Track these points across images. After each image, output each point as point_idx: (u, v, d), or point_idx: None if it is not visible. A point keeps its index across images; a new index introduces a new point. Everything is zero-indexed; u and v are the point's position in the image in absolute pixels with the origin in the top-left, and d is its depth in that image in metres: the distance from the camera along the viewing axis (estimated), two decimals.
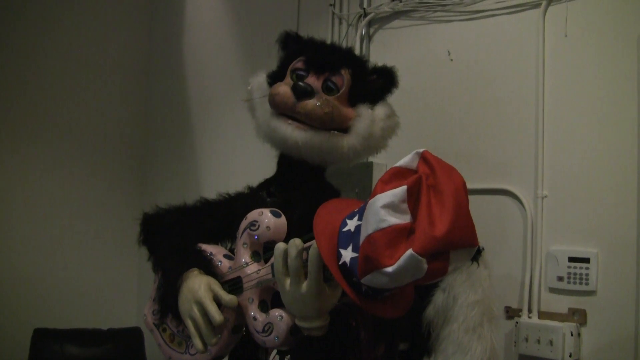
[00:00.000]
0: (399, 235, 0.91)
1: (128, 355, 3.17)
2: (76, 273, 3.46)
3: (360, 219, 1.00)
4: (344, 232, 1.03)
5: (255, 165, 2.51)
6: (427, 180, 0.93)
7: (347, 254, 1.00)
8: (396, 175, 0.97)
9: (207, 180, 3.30)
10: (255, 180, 1.59)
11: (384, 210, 0.92)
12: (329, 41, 1.94)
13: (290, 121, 1.43)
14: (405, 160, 0.99)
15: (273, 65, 1.60)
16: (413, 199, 0.92)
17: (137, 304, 3.68)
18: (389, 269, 0.90)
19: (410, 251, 0.88)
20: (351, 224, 1.03)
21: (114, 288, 3.62)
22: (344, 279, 1.02)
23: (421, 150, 0.98)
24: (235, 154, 3.08)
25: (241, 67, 3.13)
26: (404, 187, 0.92)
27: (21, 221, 3.30)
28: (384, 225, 0.91)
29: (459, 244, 0.92)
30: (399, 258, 0.89)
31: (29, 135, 3.33)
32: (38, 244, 3.34)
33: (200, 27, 3.48)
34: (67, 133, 3.47)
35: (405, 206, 0.92)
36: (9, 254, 3.24)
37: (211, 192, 1.58)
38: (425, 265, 0.89)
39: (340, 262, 1.02)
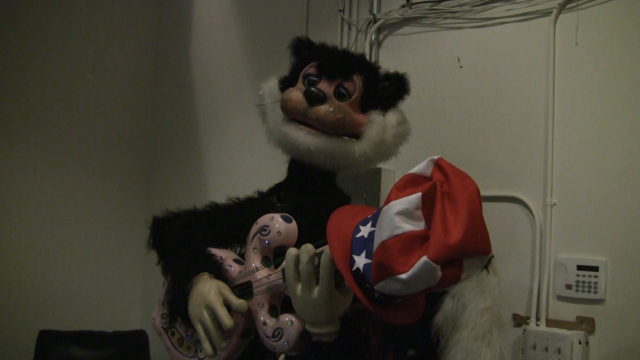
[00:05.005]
0: (413, 242, 0.91)
1: (133, 358, 3.17)
2: (81, 275, 3.46)
3: (373, 225, 1.01)
4: (357, 238, 1.03)
5: (262, 169, 2.53)
6: (441, 188, 0.93)
7: (361, 260, 1.00)
8: (410, 182, 0.97)
9: (214, 184, 3.31)
10: (262, 184, 1.59)
11: (398, 217, 0.92)
12: (338, 47, 1.95)
13: (302, 127, 1.43)
14: (420, 167, 0.99)
15: (281, 70, 1.61)
16: (427, 206, 0.93)
17: (142, 306, 3.69)
18: (403, 276, 0.90)
19: (424, 258, 0.88)
20: (364, 230, 1.03)
21: (119, 290, 3.62)
22: (357, 285, 1.02)
23: (435, 157, 0.98)
24: (242, 158, 3.08)
25: (248, 71, 3.13)
26: (419, 194, 0.92)
27: (26, 223, 3.30)
28: (399, 232, 0.91)
29: (472, 252, 0.92)
30: (413, 265, 0.89)
31: (35, 137, 3.34)
32: (43, 246, 3.34)
33: (208, 32, 3.49)
34: (73, 135, 3.47)
35: (419, 213, 0.92)
36: (14, 256, 3.25)
37: (218, 196, 1.58)
38: (440, 273, 0.89)
39: (353, 268, 1.02)
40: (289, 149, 1.48)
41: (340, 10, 2.62)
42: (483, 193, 0.96)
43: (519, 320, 1.97)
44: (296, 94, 1.43)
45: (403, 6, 2.40)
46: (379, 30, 2.49)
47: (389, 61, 2.38)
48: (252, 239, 1.29)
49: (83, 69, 3.52)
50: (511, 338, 1.96)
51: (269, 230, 1.26)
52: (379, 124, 1.45)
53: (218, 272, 1.34)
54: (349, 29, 2.62)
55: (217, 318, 1.24)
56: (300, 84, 1.49)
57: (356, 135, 1.45)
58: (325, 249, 1.05)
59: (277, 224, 1.26)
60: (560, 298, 1.92)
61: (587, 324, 1.85)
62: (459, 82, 2.22)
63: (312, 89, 1.43)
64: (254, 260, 1.29)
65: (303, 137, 1.42)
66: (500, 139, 2.09)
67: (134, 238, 3.49)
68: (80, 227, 3.48)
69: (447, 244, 0.89)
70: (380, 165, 1.91)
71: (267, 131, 1.55)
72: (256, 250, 1.29)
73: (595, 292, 1.84)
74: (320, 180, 1.50)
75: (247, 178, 2.84)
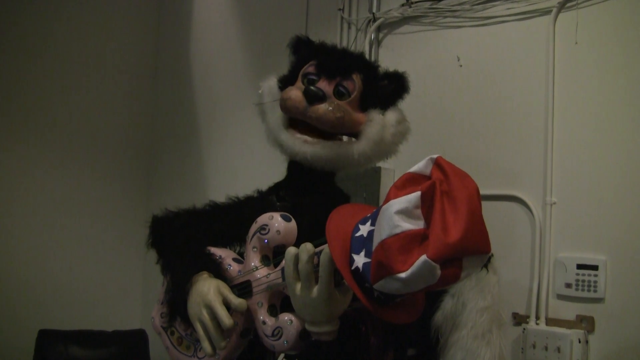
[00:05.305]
0: (412, 241, 0.91)
1: (132, 358, 3.17)
2: (81, 275, 3.46)
3: (373, 224, 1.00)
4: (356, 237, 1.03)
5: (261, 168, 2.52)
6: (440, 186, 0.93)
7: (360, 259, 1.00)
8: (410, 181, 0.97)
9: (213, 182, 3.31)
10: (261, 183, 1.59)
11: (397, 216, 0.92)
12: (337, 46, 1.95)
13: (298, 135, 1.43)
14: (419, 166, 0.99)
15: (280, 69, 1.60)
16: (427, 205, 0.92)
17: (142, 306, 3.69)
18: (402, 275, 0.90)
19: (424, 257, 0.88)
20: (364, 229, 1.02)
21: (118, 290, 3.62)
22: (356, 284, 1.02)
23: (435, 156, 0.98)
24: (242, 156, 3.08)
25: (248, 70, 3.13)
26: (418, 193, 0.92)
27: (26, 223, 3.30)
28: (398, 231, 0.91)
29: (472, 251, 0.91)
30: (413, 264, 0.89)
31: (35, 136, 3.34)
32: (43, 245, 3.34)
33: (207, 30, 3.49)
34: (73, 134, 3.48)
35: (419, 212, 0.92)
36: (14, 255, 3.25)
37: (217, 195, 1.58)
38: (439, 272, 0.89)
39: (352, 267, 1.01)
40: (286, 154, 1.49)
41: (339, 9, 2.62)
42: (482, 192, 0.96)
43: (519, 319, 1.97)
44: (295, 93, 1.43)
45: (403, 5, 2.40)
46: (378, 29, 2.49)
47: (388, 60, 2.38)
48: (251, 238, 1.29)
49: (83, 69, 3.52)
50: (511, 337, 1.96)
51: (268, 229, 1.26)
52: (378, 123, 1.45)
53: (217, 271, 1.34)
54: (349, 27, 2.62)
55: (216, 317, 1.23)
56: (299, 83, 1.48)
57: (355, 134, 1.45)
58: (325, 248, 1.05)
59: (277, 223, 1.26)
60: (560, 297, 1.92)
61: (586, 323, 1.85)
62: (459, 81, 2.22)
63: (312, 87, 1.42)
64: (254, 259, 1.28)
65: (299, 146, 1.42)
66: (500, 138, 2.09)
67: (133, 237, 3.49)
68: (80, 226, 3.48)
69: (446, 242, 0.88)
70: (380, 164, 1.91)
71: (266, 130, 1.55)
72: (255, 249, 1.29)
73: (595, 291, 1.84)
74: (319, 180, 1.49)
75: (247, 177, 2.84)
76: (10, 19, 3.27)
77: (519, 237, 2.01)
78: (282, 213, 1.28)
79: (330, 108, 1.40)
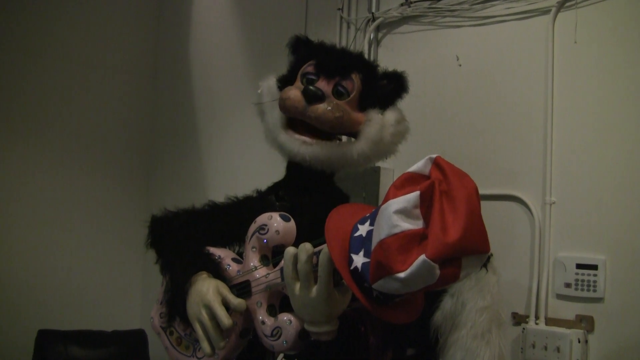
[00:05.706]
0: (411, 241, 0.91)
1: (132, 358, 3.18)
2: (80, 275, 3.46)
3: (372, 224, 1.00)
4: (355, 237, 1.03)
5: (261, 167, 2.52)
6: (439, 186, 0.93)
7: (359, 259, 1.00)
8: (409, 181, 0.97)
9: (213, 182, 3.31)
10: (261, 182, 1.59)
11: (396, 215, 0.92)
12: (337, 46, 1.95)
13: (297, 136, 1.44)
14: (418, 165, 0.99)
15: (280, 69, 1.60)
16: (426, 205, 0.92)
17: (141, 306, 3.69)
18: (401, 275, 0.90)
19: (423, 257, 0.88)
20: (363, 229, 1.02)
21: (118, 290, 3.62)
22: (355, 284, 1.01)
23: (434, 155, 0.98)
24: (241, 156, 3.08)
25: (248, 70, 3.13)
26: (417, 193, 0.92)
27: (26, 223, 3.30)
28: (397, 230, 0.91)
29: (471, 251, 0.91)
30: (412, 264, 0.89)
31: (35, 136, 3.35)
32: (42, 245, 3.35)
33: (207, 30, 3.49)
34: (73, 134, 3.48)
35: (417, 212, 0.92)
36: (13, 255, 3.25)
37: (217, 194, 1.58)
38: (438, 271, 0.89)
39: (351, 267, 1.01)
40: (285, 155, 1.49)
41: (339, 9, 2.62)
42: (482, 191, 0.96)
43: (518, 319, 1.97)
44: (294, 93, 1.43)
45: (402, 4, 2.40)
46: (377, 29, 2.49)
47: (387, 60, 2.38)
48: (250, 238, 1.29)
49: (83, 69, 3.52)
50: (510, 337, 1.96)
51: (268, 229, 1.26)
52: (377, 123, 1.45)
53: (216, 271, 1.33)
54: (348, 27, 2.62)
55: (215, 317, 1.23)
56: (298, 83, 1.48)
57: (354, 134, 1.45)
58: (324, 247, 1.05)
59: (276, 222, 1.25)
60: (560, 297, 1.92)
61: (586, 323, 1.85)
62: (458, 81, 2.22)
63: (311, 87, 1.42)
64: (253, 259, 1.28)
65: (298, 147, 1.43)
66: (499, 138, 2.09)
67: (133, 238, 3.49)
68: (80, 226, 3.49)
69: (445, 242, 0.88)
70: (379, 163, 1.91)
71: (265, 130, 1.55)
72: (254, 249, 1.29)
73: (595, 291, 1.84)
74: (318, 179, 1.49)
75: (246, 177, 2.84)
76: (10, 19, 3.28)
77: (518, 237, 2.01)
78: (281, 213, 1.28)
79: (329, 108, 1.40)
